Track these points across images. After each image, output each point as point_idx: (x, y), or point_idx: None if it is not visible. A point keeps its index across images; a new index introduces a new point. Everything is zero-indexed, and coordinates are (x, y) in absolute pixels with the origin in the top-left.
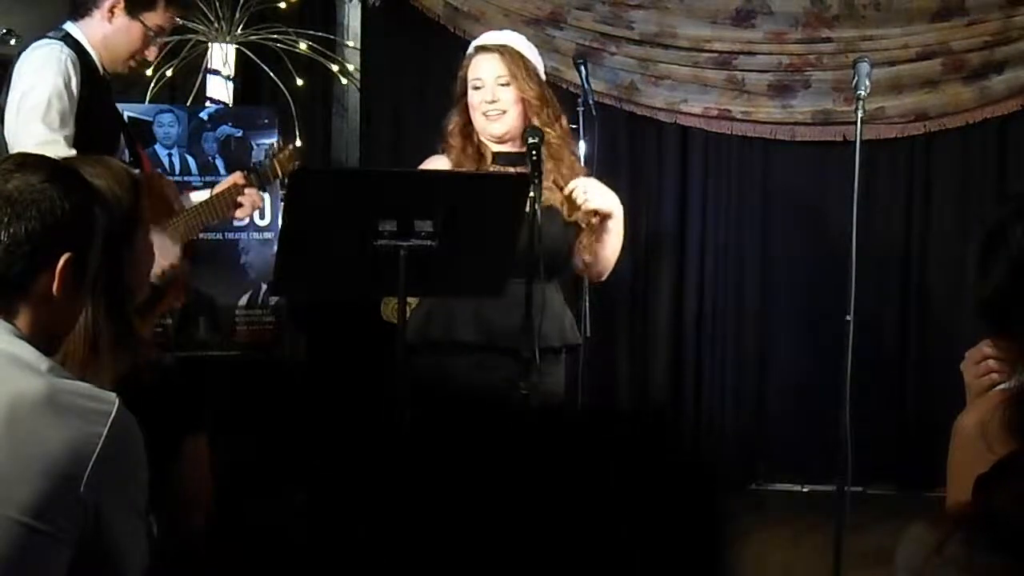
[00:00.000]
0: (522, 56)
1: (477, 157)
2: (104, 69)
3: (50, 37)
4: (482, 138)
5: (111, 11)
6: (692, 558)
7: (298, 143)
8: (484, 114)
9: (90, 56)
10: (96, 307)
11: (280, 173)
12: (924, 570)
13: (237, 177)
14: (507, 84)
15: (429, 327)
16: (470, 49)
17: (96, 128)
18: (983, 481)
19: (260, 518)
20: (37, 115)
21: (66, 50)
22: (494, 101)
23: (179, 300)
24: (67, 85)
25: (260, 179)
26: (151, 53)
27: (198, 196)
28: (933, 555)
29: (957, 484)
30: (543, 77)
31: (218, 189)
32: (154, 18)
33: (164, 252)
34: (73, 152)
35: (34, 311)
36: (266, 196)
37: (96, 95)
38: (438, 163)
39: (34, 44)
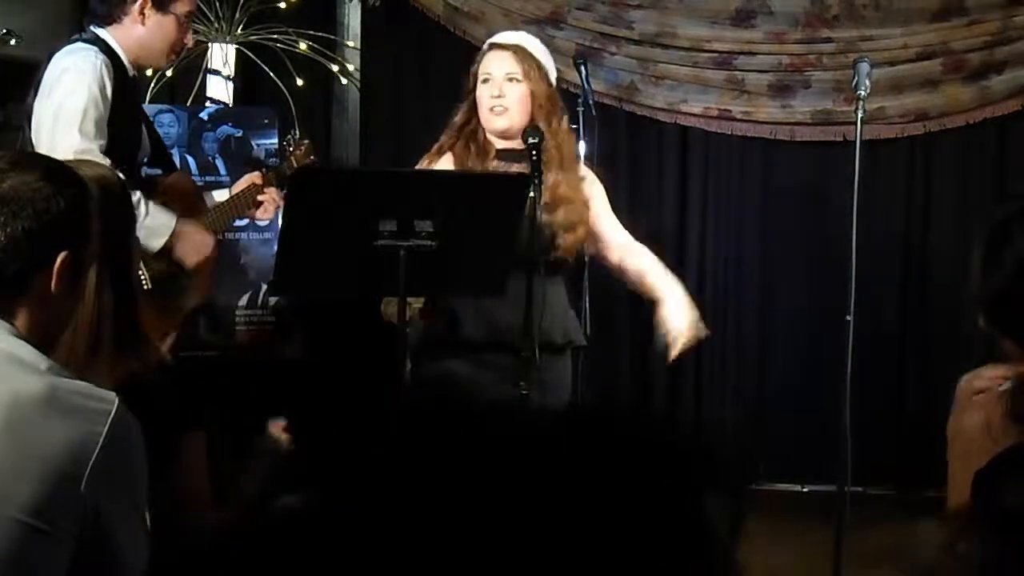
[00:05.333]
0: (533, 56)
1: (481, 154)
2: (133, 71)
3: (83, 41)
4: (487, 134)
5: (141, 13)
6: (692, 558)
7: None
8: (490, 109)
9: (121, 60)
10: (100, 306)
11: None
12: (936, 567)
13: (255, 177)
14: (515, 81)
15: (432, 325)
16: (484, 46)
17: (121, 130)
18: (982, 477)
19: (260, 517)
20: (74, 124)
21: (100, 56)
22: (500, 96)
23: (206, 294)
24: (102, 93)
25: (278, 177)
26: (189, 39)
27: (219, 196)
28: (945, 552)
29: (961, 485)
30: (553, 81)
31: (236, 188)
32: (182, 6)
33: (201, 243)
34: (107, 161)
35: (32, 310)
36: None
37: (124, 99)
38: (441, 163)
39: (66, 48)
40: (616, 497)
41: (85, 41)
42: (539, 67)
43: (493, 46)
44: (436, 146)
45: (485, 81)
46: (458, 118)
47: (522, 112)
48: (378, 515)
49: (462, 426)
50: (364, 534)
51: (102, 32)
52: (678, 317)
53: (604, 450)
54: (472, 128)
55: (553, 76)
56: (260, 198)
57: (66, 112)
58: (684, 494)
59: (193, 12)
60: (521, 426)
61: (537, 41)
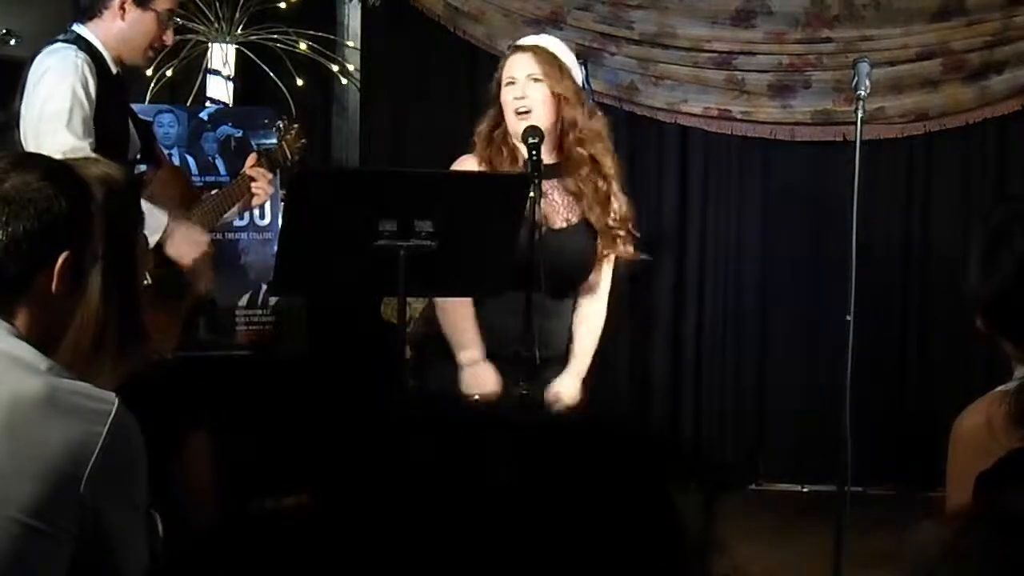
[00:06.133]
0: (554, 55)
1: (510, 160)
2: (117, 67)
3: (62, 40)
4: (515, 140)
5: (121, 8)
6: (691, 558)
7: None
8: (515, 111)
9: (103, 57)
10: (105, 305)
11: (289, 154)
12: (937, 569)
13: (251, 159)
14: (537, 81)
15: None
16: (507, 50)
17: (107, 127)
18: (986, 478)
19: (261, 517)
20: (61, 123)
21: (81, 54)
22: (523, 97)
23: (206, 289)
24: (86, 90)
25: (271, 162)
26: (168, 37)
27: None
28: (947, 554)
29: (961, 486)
30: (578, 79)
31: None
32: (163, 3)
33: (195, 242)
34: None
35: (32, 311)
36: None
37: (108, 95)
38: (468, 164)
39: (47, 48)
40: (587, 495)
41: (65, 41)
42: (560, 67)
43: (514, 49)
44: (467, 155)
45: (509, 84)
46: (484, 125)
47: (547, 112)
48: (376, 516)
49: (455, 428)
50: (361, 535)
51: (83, 29)
52: (566, 387)
53: (579, 450)
54: (501, 133)
55: (578, 76)
56: (254, 187)
57: (51, 113)
58: (651, 489)
59: (173, 11)
60: (511, 429)
61: (559, 42)
